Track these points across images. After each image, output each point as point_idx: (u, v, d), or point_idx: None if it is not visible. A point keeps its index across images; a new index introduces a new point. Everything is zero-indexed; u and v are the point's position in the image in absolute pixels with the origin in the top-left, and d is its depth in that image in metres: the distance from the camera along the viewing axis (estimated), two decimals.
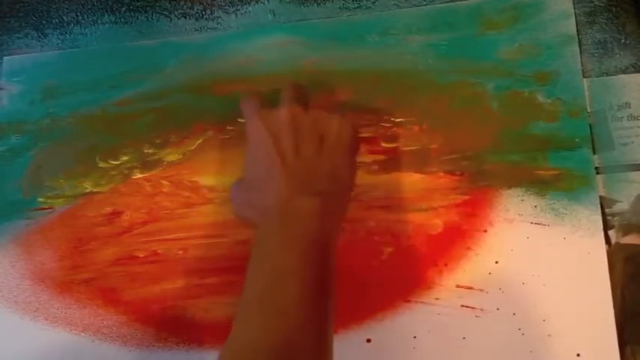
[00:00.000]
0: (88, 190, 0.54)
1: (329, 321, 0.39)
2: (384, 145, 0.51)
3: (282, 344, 0.36)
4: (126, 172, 0.54)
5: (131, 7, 0.59)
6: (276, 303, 0.38)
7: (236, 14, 0.57)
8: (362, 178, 0.50)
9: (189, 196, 0.53)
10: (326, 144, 0.44)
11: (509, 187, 0.48)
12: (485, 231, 0.47)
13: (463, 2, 0.53)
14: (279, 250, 0.40)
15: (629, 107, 0.49)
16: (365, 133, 0.51)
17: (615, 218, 0.46)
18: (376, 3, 0.55)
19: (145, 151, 0.55)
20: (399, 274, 0.47)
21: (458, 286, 0.46)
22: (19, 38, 0.60)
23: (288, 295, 0.38)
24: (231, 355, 0.37)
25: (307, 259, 0.39)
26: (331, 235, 0.42)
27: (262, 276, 0.40)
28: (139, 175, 0.54)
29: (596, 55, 0.51)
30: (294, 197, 0.41)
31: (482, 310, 0.46)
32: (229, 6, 0.58)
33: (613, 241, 0.46)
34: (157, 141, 0.55)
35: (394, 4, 0.55)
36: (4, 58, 0.60)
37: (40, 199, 0.55)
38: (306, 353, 0.37)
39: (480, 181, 0.49)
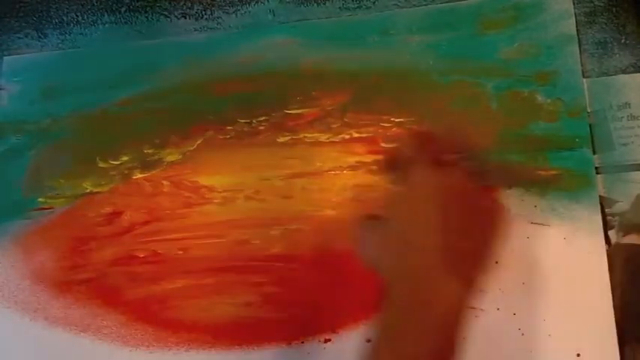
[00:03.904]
0: (88, 190, 0.54)
1: None
2: (383, 145, 0.51)
3: None
4: (126, 172, 0.54)
5: (131, 8, 0.59)
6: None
7: (236, 14, 0.57)
8: (362, 178, 0.50)
9: (189, 196, 0.53)
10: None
11: (509, 187, 0.48)
12: None
13: (463, 2, 0.53)
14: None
15: (629, 107, 0.49)
16: (365, 133, 0.51)
17: (615, 218, 0.46)
18: (376, 3, 0.55)
19: (145, 151, 0.55)
20: None
21: None
22: (19, 38, 0.60)
23: None
24: None
25: None
26: None
27: None
28: (139, 175, 0.54)
29: (596, 55, 0.51)
30: None
31: (482, 310, 0.46)
32: (229, 6, 0.57)
33: (613, 241, 0.46)
34: (157, 141, 0.55)
35: (394, 4, 0.55)
36: (4, 58, 0.60)
37: (40, 199, 0.55)
38: None
39: (480, 181, 0.49)
